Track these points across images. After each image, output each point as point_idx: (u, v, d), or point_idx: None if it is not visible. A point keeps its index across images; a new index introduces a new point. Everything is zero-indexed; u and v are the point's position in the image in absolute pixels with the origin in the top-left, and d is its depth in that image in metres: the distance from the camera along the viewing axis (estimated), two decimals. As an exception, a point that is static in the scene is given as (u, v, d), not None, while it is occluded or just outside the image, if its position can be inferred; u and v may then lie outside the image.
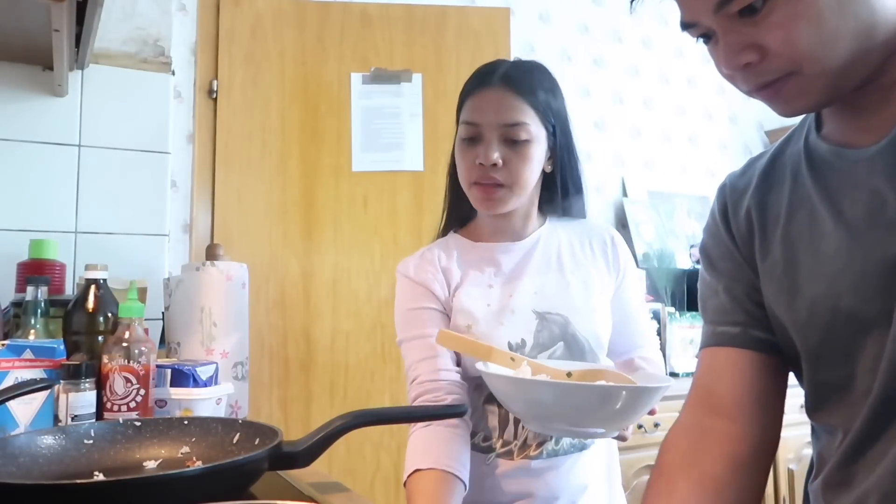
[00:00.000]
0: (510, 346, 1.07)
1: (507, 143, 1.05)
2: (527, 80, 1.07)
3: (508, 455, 1.09)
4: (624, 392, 0.89)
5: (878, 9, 0.59)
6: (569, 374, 0.99)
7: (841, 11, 0.58)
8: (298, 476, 0.93)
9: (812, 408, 0.72)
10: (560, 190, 1.15)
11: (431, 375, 1.06)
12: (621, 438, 1.02)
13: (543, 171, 1.13)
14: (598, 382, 0.94)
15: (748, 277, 0.77)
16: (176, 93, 2.03)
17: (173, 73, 1.88)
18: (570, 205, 1.18)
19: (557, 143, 1.11)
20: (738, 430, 0.74)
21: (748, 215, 0.76)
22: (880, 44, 0.60)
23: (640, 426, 2.11)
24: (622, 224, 2.87)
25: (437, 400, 1.04)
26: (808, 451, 2.41)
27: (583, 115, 2.85)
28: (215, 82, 2.10)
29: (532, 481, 1.08)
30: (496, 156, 1.04)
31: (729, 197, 0.79)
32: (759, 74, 0.62)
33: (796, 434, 2.22)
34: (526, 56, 2.68)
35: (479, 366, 0.96)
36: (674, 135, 3.07)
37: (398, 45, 2.23)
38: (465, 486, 1.00)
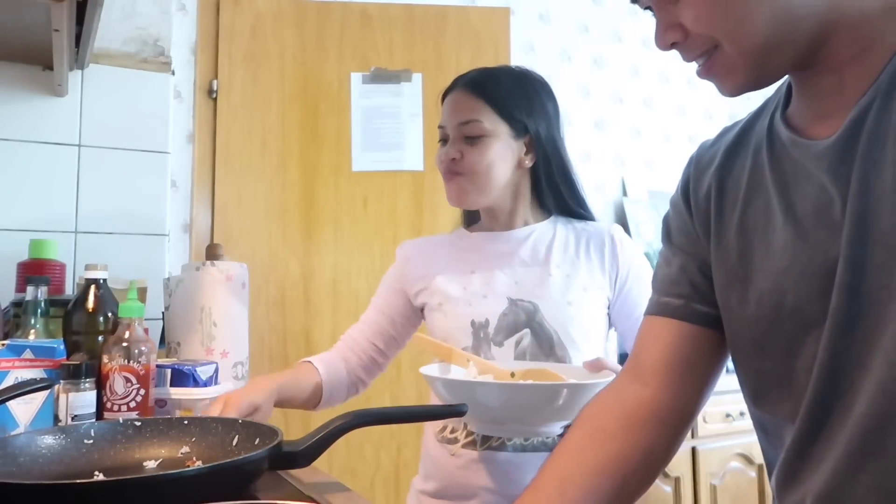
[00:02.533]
0: (473, 325, 1.13)
1: (464, 140, 1.14)
2: (486, 82, 1.15)
3: (472, 446, 1.11)
4: (534, 389, 0.91)
5: None
6: (512, 374, 1.02)
7: None
8: (298, 476, 0.93)
9: (755, 398, 0.72)
10: (545, 183, 1.18)
11: (356, 335, 1.26)
12: None
13: (528, 168, 1.17)
14: (526, 381, 0.96)
15: (702, 254, 0.77)
16: (176, 93, 2.03)
17: (173, 73, 1.88)
18: (561, 199, 1.20)
19: (534, 137, 1.15)
20: (645, 395, 0.77)
21: (708, 194, 0.75)
22: (808, 26, 0.60)
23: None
24: (622, 224, 2.87)
25: (342, 349, 1.25)
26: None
27: (583, 115, 2.85)
28: (215, 82, 2.10)
29: (496, 474, 1.09)
30: (452, 151, 1.14)
31: (693, 172, 0.79)
32: (687, 51, 0.66)
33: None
34: (525, 56, 2.69)
35: (423, 370, 0.99)
36: (674, 135, 3.07)
37: (398, 44, 2.23)
38: (323, 385, 1.18)
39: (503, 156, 1.14)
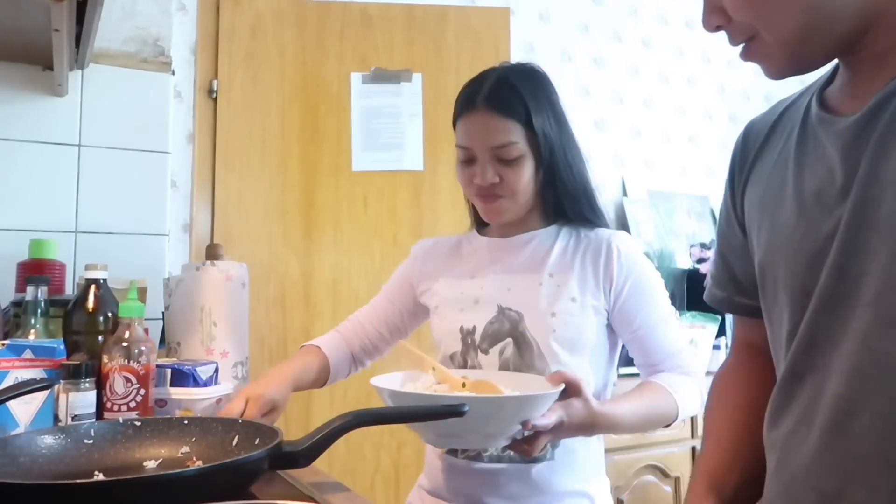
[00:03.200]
0: (461, 331, 1.14)
1: (500, 163, 1.10)
2: (510, 97, 1.09)
3: (454, 452, 1.12)
4: (470, 402, 0.90)
5: None
6: (463, 385, 1.02)
7: None
8: (298, 476, 0.93)
9: None
10: (550, 187, 1.14)
11: (363, 320, 1.29)
12: (524, 453, 0.96)
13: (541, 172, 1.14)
14: (464, 394, 0.96)
15: (740, 239, 0.79)
16: (176, 92, 2.03)
17: (173, 73, 1.88)
18: (567, 204, 1.16)
19: (542, 140, 1.11)
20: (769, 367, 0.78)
21: (749, 172, 0.78)
22: (845, 17, 0.61)
23: (640, 426, 2.11)
24: (622, 224, 2.87)
25: (348, 330, 1.28)
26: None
27: (583, 115, 2.85)
28: (215, 82, 2.10)
29: (473, 483, 1.10)
30: (490, 175, 1.09)
31: (740, 153, 0.81)
32: (730, 35, 0.67)
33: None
34: (525, 56, 2.69)
35: (373, 380, 0.98)
36: (674, 135, 3.07)
37: (398, 44, 2.23)
38: (330, 366, 1.23)
39: (534, 168, 1.11)
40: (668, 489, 2.16)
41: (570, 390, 0.95)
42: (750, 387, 0.81)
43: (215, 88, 2.10)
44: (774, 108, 0.79)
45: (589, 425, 0.97)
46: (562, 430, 0.94)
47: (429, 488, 1.18)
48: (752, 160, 0.77)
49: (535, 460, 1.07)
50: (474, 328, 1.13)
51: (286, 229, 2.13)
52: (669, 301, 1.15)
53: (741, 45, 0.67)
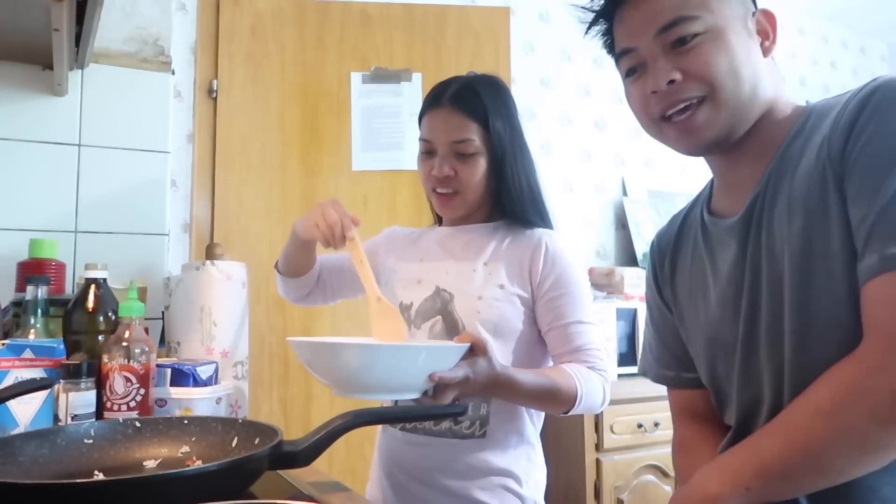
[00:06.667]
0: (401, 305, 1.24)
1: (456, 157, 1.19)
2: (472, 100, 1.19)
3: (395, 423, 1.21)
4: (380, 350, 0.94)
5: (761, 78, 0.79)
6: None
7: (746, 57, 0.78)
8: (298, 476, 0.93)
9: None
10: (499, 188, 1.21)
11: (332, 258, 1.40)
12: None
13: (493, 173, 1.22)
14: (371, 341, 1.02)
15: (673, 326, 0.96)
16: (176, 92, 2.03)
17: (173, 73, 1.88)
18: (513, 205, 1.21)
19: (497, 144, 1.19)
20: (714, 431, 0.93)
21: (670, 274, 0.96)
22: (756, 112, 0.79)
23: (639, 425, 2.12)
24: (622, 224, 2.87)
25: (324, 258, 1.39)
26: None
27: (583, 115, 2.85)
28: (215, 82, 2.10)
29: (405, 453, 1.18)
30: (447, 169, 1.19)
31: (657, 258, 1.00)
32: (678, 93, 0.78)
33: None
34: (525, 56, 2.69)
35: (289, 338, 1.00)
36: (674, 134, 3.07)
37: (398, 44, 2.23)
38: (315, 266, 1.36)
39: (486, 167, 1.19)
40: (668, 489, 2.16)
41: (476, 350, 1.00)
42: (708, 447, 0.90)
43: (215, 88, 2.10)
44: (673, 221, 0.99)
45: (492, 384, 1.01)
46: (468, 386, 0.98)
47: (376, 458, 1.25)
48: (669, 261, 0.96)
49: (465, 436, 1.14)
50: (412, 304, 1.22)
51: (286, 229, 2.12)
52: (591, 303, 1.21)
53: (684, 105, 0.78)
